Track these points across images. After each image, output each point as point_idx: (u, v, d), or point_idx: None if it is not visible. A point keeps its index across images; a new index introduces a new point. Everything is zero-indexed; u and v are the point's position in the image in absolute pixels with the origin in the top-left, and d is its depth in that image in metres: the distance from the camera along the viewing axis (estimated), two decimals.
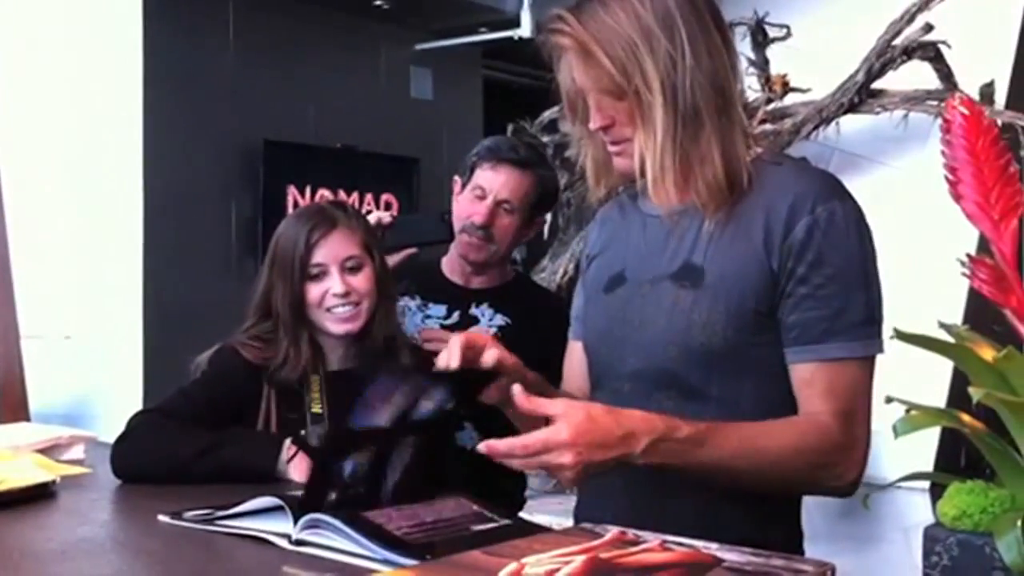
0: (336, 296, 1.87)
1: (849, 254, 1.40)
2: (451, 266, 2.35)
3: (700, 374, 1.42)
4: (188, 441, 1.71)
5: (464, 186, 2.30)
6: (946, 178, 0.92)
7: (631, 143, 1.44)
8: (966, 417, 0.89)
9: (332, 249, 1.89)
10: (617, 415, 1.27)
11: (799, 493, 1.46)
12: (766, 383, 1.42)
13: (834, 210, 1.39)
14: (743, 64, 1.55)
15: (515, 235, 2.30)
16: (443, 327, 2.24)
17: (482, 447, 1.23)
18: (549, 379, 1.62)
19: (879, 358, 1.42)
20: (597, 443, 1.23)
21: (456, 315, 2.28)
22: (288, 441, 1.72)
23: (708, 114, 1.40)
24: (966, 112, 0.91)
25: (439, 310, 2.28)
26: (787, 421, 1.39)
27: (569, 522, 1.45)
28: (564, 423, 1.24)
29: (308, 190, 5.62)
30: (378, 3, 5.72)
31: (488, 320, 2.28)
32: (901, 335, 0.93)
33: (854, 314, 1.38)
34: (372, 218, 2.17)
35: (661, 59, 1.38)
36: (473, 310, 2.29)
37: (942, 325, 0.91)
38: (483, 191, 2.25)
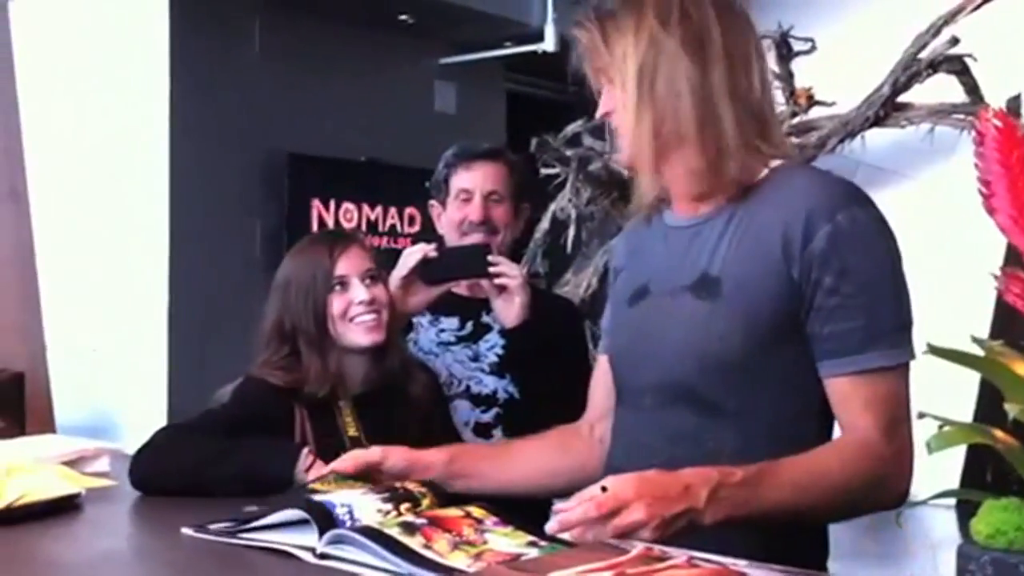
0: (361, 304, 1.91)
1: (876, 260, 1.37)
2: None
3: (716, 387, 1.40)
4: (205, 448, 1.72)
5: (444, 203, 2.34)
6: (979, 191, 0.90)
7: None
8: (1000, 433, 0.88)
9: (353, 262, 1.95)
10: (670, 472, 1.25)
11: (860, 515, 1.40)
12: (782, 397, 1.40)
13: (855, 216, 1.37)
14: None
15: (512, 224, 2.33)
16: (458, 338, 2.26)
17: (554, 526, 1.18)
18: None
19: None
20: (661, 495, 1.20)
21: (469, 325, 2.29)
22: (306, 449, 1.72)
23: (695, 103, 1.40)
24: (999, 125, 0.90)
25: (452, 322, 2.29)
26: (833, 445, 1.37)
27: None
28: (623, 482, 1.21)
29: (332, 203, 5.63)
30: (403, 17, 5.74)
31: (500, 325, 2.28)
32: (935, 350, 0.92)
33: (888, 321, 1.35)
34: (418, 251, 2.16)
35: (643, 41, 1.41)
36: (484, 318, 2.29)
37: (975, 340, 0.90)
38: (468, 192, 2.29)
